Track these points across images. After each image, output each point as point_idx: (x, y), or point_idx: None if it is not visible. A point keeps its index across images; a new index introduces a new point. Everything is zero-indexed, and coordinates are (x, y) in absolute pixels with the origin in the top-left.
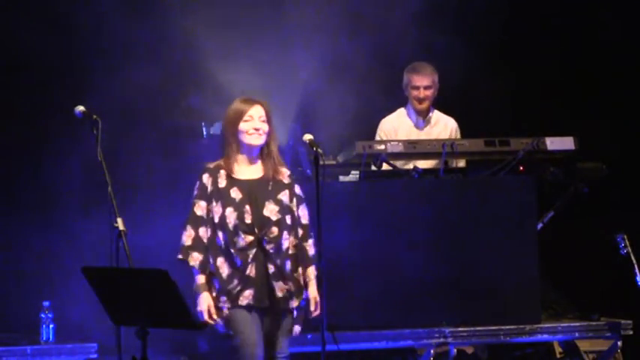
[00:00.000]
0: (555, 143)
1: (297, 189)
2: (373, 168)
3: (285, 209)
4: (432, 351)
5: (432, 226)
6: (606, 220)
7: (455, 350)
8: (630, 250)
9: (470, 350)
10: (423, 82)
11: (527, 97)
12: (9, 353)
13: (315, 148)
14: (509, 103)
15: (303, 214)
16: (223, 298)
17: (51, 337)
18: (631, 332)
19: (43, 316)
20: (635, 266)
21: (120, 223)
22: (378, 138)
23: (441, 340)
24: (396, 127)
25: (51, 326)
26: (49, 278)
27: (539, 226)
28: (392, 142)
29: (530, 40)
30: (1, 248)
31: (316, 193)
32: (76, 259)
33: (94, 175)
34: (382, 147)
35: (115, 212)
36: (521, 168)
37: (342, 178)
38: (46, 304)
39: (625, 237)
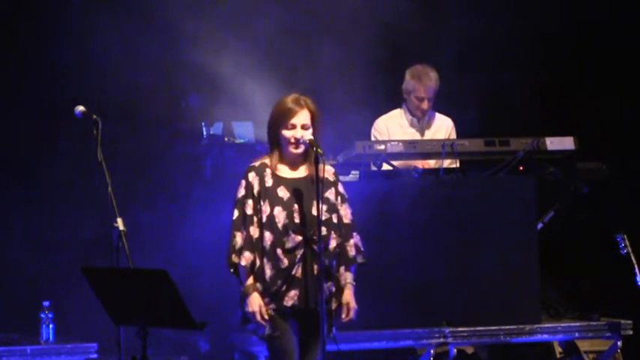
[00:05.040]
0: (555, 143)
1: (341, 187)
2: (373, 168)
3: (331, 208)
4: (432, 351)
5: (432, 226)
6: (606, 220)
7: (455, 350)
8: (630, 250)
9: (470, 350)
10: (428, 93)
11: (528, 97)
12: (9, 353)
13: (315, 148)
14: (509, 103)
15: (346, 213)
16: (266, 300)
17: (51, 337)
18: (631, 332)
19: (43, 316)
20: (635, 266)
21: (120, 223)
22: (372, 137)
23: (441, 340)
24: (391, 126)
25: (51, 326)
26: (49, 278)
27: (539, 226)
28: (392, 142)
29: (531, 41)
30: (1, 248)
31: (316, 192)
32: (76, 258)
33: (93, 175)
34: (382, 147)
35: (115, 212)
36: (521, 168)
37: (342, 178)
38: (46, 304)
39: (625, 237)
